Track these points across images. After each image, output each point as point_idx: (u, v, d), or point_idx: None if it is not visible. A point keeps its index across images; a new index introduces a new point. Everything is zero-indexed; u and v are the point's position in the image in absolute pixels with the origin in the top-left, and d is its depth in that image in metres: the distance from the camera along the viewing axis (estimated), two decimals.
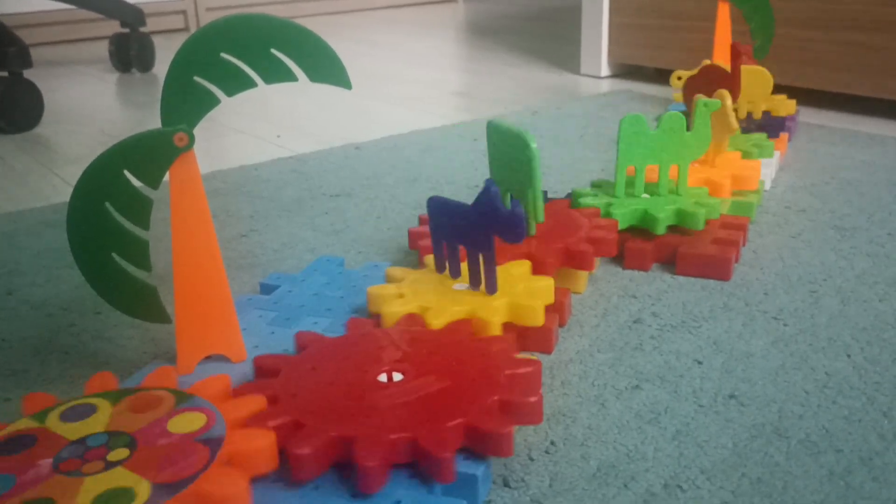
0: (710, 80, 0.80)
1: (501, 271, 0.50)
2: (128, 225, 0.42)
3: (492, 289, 0.47)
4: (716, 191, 0.66)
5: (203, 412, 0.36)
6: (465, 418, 0.35)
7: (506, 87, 1.33)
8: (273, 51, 0.40)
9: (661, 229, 0.59)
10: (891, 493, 0.36)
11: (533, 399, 0.37)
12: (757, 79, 0.88)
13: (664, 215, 0.59)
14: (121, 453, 0.33)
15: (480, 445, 0.35)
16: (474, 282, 0.48)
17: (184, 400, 0.37)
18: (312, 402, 0.37)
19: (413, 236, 0.59)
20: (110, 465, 0.33)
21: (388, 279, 0.52)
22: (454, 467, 0.34)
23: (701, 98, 0.64)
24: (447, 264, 0.50)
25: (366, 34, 2.09)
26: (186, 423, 0.35)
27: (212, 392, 0.38)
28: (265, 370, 0.41)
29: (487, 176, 0.82)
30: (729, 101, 0.68)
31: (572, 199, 0.64)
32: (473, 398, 0.37)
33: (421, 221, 0.62)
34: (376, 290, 0.48)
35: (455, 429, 0.35)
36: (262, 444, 0.34)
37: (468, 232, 0.47)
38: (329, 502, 0.33)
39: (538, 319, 0.47)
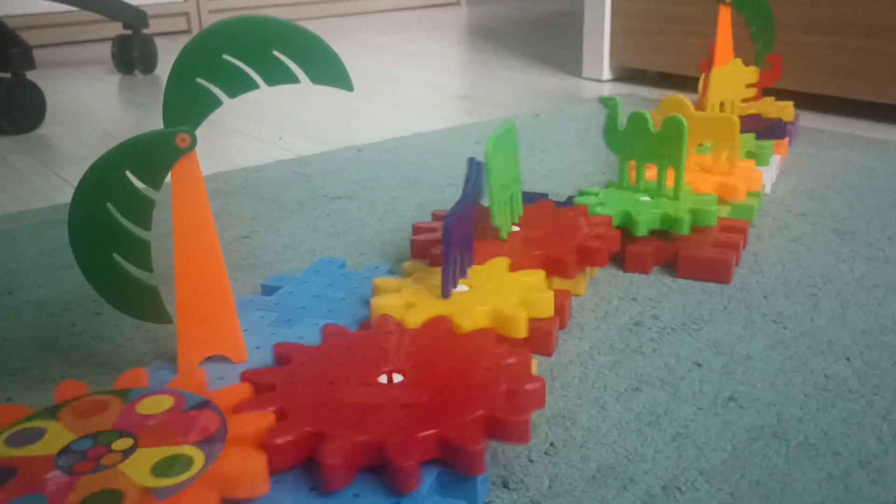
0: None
1: (484, 269, 0.51)
2: (129, 225, 0.42)
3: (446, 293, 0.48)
4: (730, 193, 0.67)
5: (168, 395, 0.36)
6: (486, 409, 0.36)
7: (508, 91, 1.33)
8: (275, 52, 0.40)
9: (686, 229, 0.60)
10: (889, 496, 0.36)
11: (535, 385, 0.38)
12: (730, 76, 0.89)
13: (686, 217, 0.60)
14: (114, 457, 0.33)
15: (500, 434, 0.36)
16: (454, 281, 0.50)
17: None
18: (328, 411, 0.37)
19: (416, 232, 0.59)
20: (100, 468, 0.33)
21: (381, 290, 0.51)
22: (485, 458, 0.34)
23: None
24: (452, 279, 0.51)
25: (368, 37, 2.09)
26: (156, 404, 0.35)
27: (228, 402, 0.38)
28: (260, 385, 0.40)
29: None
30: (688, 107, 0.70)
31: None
32: (484, 390, 0.37)
33: (415, 230, 0.61)
34: (383, 302, 0.48)
35: (477, 421, 0.35)
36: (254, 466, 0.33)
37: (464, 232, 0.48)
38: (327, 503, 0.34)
39: (550, 310, 0.47)
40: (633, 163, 0.66)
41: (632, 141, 0.65)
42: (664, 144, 0.62)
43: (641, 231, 0.59)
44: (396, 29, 2.25)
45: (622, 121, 0.66)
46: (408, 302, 0.48)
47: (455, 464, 0.34)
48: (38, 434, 0.35)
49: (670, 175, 0.64)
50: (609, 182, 0.68)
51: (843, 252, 0.62)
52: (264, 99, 1.29)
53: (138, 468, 0.32)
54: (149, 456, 0.33)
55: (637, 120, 0.64)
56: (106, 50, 1.73)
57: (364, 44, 1.96)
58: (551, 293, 0.48)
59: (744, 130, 0.84)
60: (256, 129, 1.11)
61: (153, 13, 1.96)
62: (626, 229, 0.60)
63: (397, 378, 0.39)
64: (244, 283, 0.59)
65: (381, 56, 1.76)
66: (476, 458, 0.34)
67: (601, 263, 0.55)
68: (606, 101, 0.65)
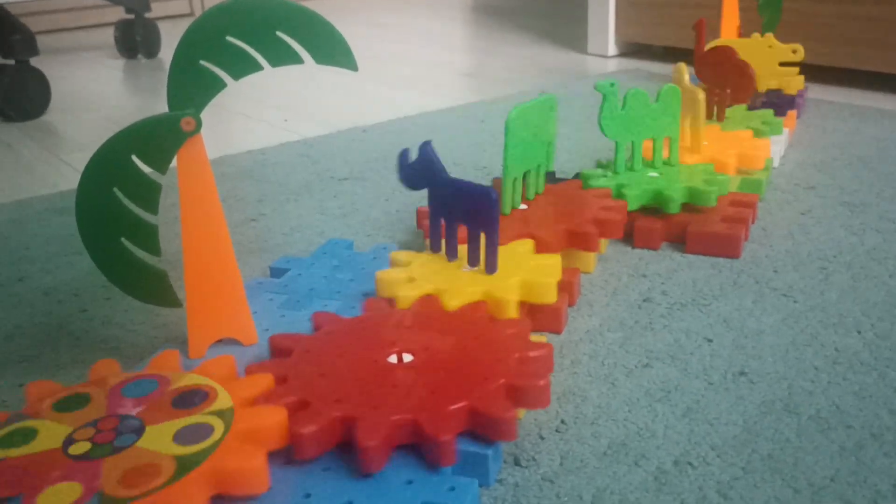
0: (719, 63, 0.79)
1: (506, 250, 0.50)
2: (137, 210, 0.42)
3: (492, 268, 0.47)
4: (749, 163, 0.67)
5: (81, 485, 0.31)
6: (506, 378, 0.36)
7: (513, 68, 1.33)
8: (279, 33, 0.40)
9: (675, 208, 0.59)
10: None
11: (543, 352, 0.39)
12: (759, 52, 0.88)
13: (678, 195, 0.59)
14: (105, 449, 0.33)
15: (521, 400, 0.36)
16: (473, 260, 0.48)
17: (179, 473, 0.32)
18: (350, 395, 0.36)
19: (421, 216, 0.59)
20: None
21: (394, 263, 0.52)
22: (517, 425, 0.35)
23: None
24: (443, 245, 0.50)
25: (372, 17, 2.08)
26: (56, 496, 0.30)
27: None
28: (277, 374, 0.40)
29: (494, 157, 0.82)
30: (686, 77, 0.69)
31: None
32: (498, 360, 0.38)
33: (419, 215, 0.60)
34: (386, 275, 0.48)
35: (501, 389, 0.36)
36: None
37: (469, 210, 0.47)
38: (340, 483, 0.34)
39: (552, 297, 0.47)
40: (646, 142, 0.66)
41: (630, 120, 0.64)
42: (663, 115, 0.62)
43: (632, 205, 0.59)
44: (399, 8, 2.24)
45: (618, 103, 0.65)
46: (409, 276, 0.47)
47: (487, 433, 0.35)
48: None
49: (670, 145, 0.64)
50: (599, 163, 0.68)
51: (854, 224, 0.62)
52: (268, 81, 1.28)
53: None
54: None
55: (637, 96, 0.63)
56: (109, 35, 1.72)
57: (367, 23, 1.94)
58: (554, 280, 0.47)
59: (761, 106, 0.83)
60: (261, 112, 1.11)
61: None
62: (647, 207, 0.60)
63: (407, 357, 0.39)
64: (253, 266, 0.59)
65: (385, 35, 1.75)
66: (509, 425, 0.34)
67: (616, 235, 0.55)
68: (603, 87, 0.63)
